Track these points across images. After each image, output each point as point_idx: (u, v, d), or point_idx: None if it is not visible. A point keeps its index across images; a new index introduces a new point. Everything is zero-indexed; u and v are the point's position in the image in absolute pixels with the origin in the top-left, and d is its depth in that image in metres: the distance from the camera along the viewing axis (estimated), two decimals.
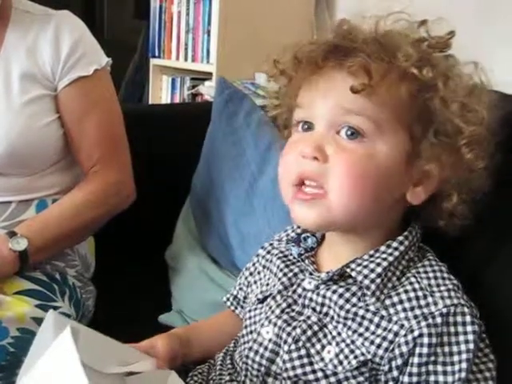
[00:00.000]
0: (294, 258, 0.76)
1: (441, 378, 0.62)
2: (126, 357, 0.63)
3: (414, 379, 0.63)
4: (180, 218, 1.33)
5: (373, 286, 0.66)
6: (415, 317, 0.64)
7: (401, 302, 0.66)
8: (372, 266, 0.67)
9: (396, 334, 0.64)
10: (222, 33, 1.97)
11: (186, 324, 1.14)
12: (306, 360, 0.67)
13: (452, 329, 0.63)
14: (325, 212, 0.66)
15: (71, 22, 1.12)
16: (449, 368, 0.62)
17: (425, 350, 0.62)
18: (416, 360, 0.63)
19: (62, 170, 1.14)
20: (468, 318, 0.63)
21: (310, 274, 0.73)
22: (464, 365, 0.62)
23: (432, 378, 0.62)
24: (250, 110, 1.25)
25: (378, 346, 0.64)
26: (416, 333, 0.63)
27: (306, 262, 0.74)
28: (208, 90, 1.92)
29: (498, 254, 0.73)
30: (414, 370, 0.63)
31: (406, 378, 0.63)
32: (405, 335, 0.63)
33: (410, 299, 0.66)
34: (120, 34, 3.63)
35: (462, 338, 0.63)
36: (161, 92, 2.49)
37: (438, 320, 0.63)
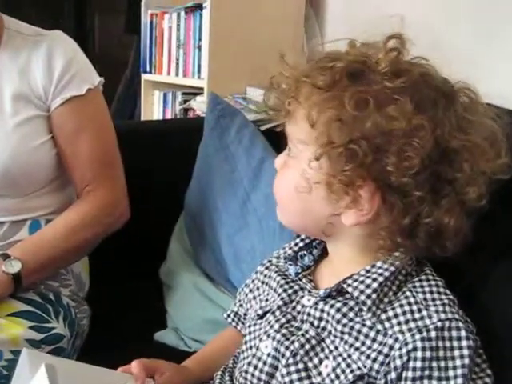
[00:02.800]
0: (292, 276, 0.77)
1: None
2: (106, 381, 0.63)
3: None
4: (173, 235, 1.32)
5: (369, 302, 0.67)
6: (409, 330, 0.64)
7: (396, 315, 0.66)
8: (368, 281, 0.68)
9: (391, 348, 0.64)
10: (213, 48, 1.97)
11: (181, 342, 1.14)
12: (303, 374, 0.68)
13: (447, 343, 0.63)
14: (280, 214, 0.76)
15: (63, 43, 1.12)
16: (444, 383, 0.62)
17: (418, 364, 0.62)
18: (410, 374, 0.63)
19: (55, 190, 1.13)
20: (463, 333, 0.63)
21: (309, 291, 0.74)
22: (460, 380, 0.62)
23: None
24: (241, 125, 1.25)
25: (374, 360, 0.65)
26: (410, 346, 0.63)
27: (304, 280, 0.75)
28: (199, 105, 1.92)
29: (494, 270, 0.73)
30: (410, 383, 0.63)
31: (388, 377, 0.64)
32: (399, 348, 0.63)
33: (404, 313, 0.66)
34: (111, 49, 3.64)
35: (457, 352, 0.63)
36: (153, 107, 2.49)
37: (433, 334, 0.63)
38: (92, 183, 1.10)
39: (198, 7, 2.10)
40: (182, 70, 2.22)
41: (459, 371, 0.62)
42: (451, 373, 0.62)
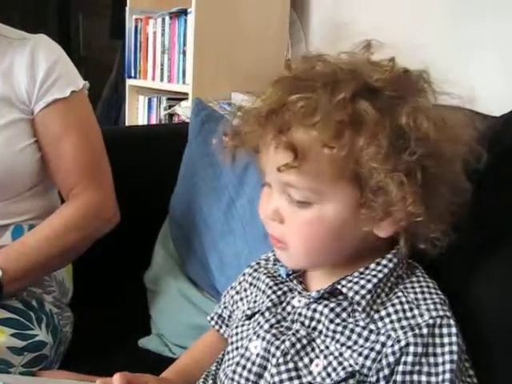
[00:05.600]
0: (283, 277, 0.77)
1: None
2: None
3: None
4: (158, 240, 1.32)
5: (363, 302, 0.67)
6: (402, 327, 0.65)
7: (388, 315, 0.67)
8: (362, 282, 0.68)
9: (383, 345, 0.65)
10: (198, 53, 1.97)
11: (165, 348, 1.13)
12: (293, 373, 0.68)
13: (438, 340, 0.64)
14: (292, 260, 0.73)
15: (47, 46, 1.12)
16: (433, 378, 0.63)
17: (409, 359, 0.63)
18: (400, 368, 0.63)
19: (39, 195, 1.12)
20: (453, 330, 0.64)
21: (299, 293, 0.74)
22: (448, 375, 0.62)
23: None
24: None
25: (366, 357, 0.65)
26: (403, 343, 0.63)
27: (295, 281, 0.75)
28: (184, 111, 1.92)
29: (473, 269, 0.73)
30: (398, 378, 0.63)
31: (380, 374, 0.64)
32: (392, 345, 0.64)
33: (397, 311, 0.66)
34: (96, 53, 3.64)
35: (447, 348, 0.63)
36: (137, 112, 2.48)
37: (425, 331, 0.64)
38: (77, 186, 1.09)
39: (183, 12, 2.11)
40: (167, 75, 2.22)
41: (447, 366, 0.63)
42: (440, 368, 0.63)
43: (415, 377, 0.63)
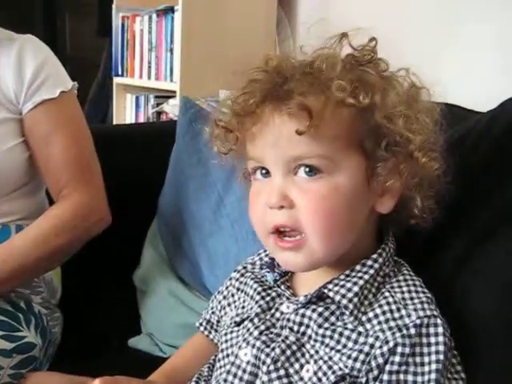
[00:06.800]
0: (270, 283, 0.76)
1: None
2: None
3: None
4: (147, 240, 1.31)
5: (351, 306, 0.67)
6: (390, 328, 0.65)
7: (376, 316, 0.66)
8: (349, 285, 0.68)
9: (372, 346, 0.65)
10: (185, 51, 1.96)
11: (155, 348, 1.13)
12: (285, 380, 0.67)
13: (424, 340, 0.64)
14: (309, 255, 0.67)
15: (34, 47, 1.11)
16: (419, 378, 0.63)
17: (397, 359, 0.63)
18: (387, 367, 0.63)
19: (26, 195, 1.12)
20: (440, 329, 0.64)
21: (287, 298, 0.73)
22: (433, 375, 0.62)
23: None
24: None
25: (355, 360, 0.65)
26: (391, 344, 0.63)
27: (282, 287, 0.74)
28: (172, 109, 1.91)
29: (463, 266, 0.74)
30: (385, 377, 0.63)
31: (370, 376, 0.64)
32: (380, 347, 0.64)
33: (384, 312, 0.66)
34: (82, 51, 3.61)
35: (433, 348, 0.63)
36: (125, 110, 2.48)
37: (412, 331, 0.63)
38: (67, 188, 1.08)
39: (170, 10, 2.10)
40: (155, 73, 2.21)
41: (433, 366, 0.63)
42: (426, 368, 0.63)
43: (401, 376, 0.63)
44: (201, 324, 0.87)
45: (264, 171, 0.69)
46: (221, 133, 0.72)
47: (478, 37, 1.37)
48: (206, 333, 0.86)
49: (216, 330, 0.85)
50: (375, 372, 0.64)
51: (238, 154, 0.73)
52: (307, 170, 0.65)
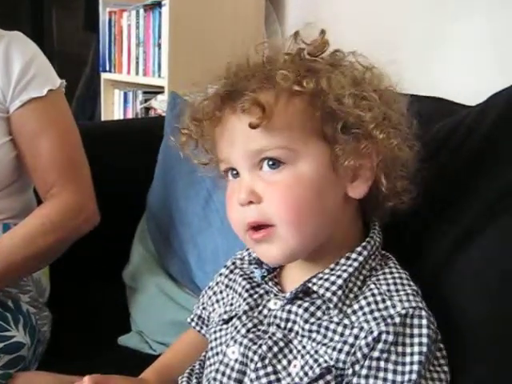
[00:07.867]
0: (258, 280, 0.76)
1: (390, 376, 0.62)
2: None
3: (364, 371, 0.63)
4: (136, 236, 1.31)
5: (335, 299, 0.67)
6: (374, 319, 0.65)
7: (361, 308, 0.66)
8: (333, 278, 0.68)
9: (356, 337, 0.64)
10: (173, 46, 1.95)
11: (145, 345, 1.12)
12: (273, 377, 0.67)
13: (408, 330, 0.63)
14: (283, 245, 0.68)
15: (22, 44, 1.09)
16: (399, 368, 0.62)
17: (379, 346, 0.63)
18: (369, 354, 0.63)
19: (14, 194, 1.11)
20: (424, 321, 0.64)
21: (275, 295, 0.73)
22: (415, 367, 0.62)
23: (381, 374, 0.63)
24: None
25: (340, 351, 0.65)
26: (375, 333, 0.63)
27: (270, 283, 0.74)
28: (160, 104, 1.90)
29: (455, 262, 0.74)
30: (366, 363, 0.63)
31: (356, 367, 0.64)
32: (365, 337, 0.64)
33: (369, 304, 0.66)
34: (70, 47, 3.58)
35: (416, 339, 0.63)
36: (113, 106, 2.46)
37: (397, 320, 0.63)
38: (55, 186, 1.07)
39: (157, 5, 2.08)
40: (142, 69, 2.20)
41: (416, 357, 0.62)
42: (408, 359, 0.63)
43: (382, 363, 0.63)
44: (192, 320, 0.87)
45: (234, 172, 0.71)
46: (187, 140, 0.75)
47: (470, 33, 1.37)
48: (198, 328, 0.86)
49: (207, 325, 0.85)
50: (362, 363, 0.63)
51: (215, 161, 0.76)
52: (270, 163, 0.67)
